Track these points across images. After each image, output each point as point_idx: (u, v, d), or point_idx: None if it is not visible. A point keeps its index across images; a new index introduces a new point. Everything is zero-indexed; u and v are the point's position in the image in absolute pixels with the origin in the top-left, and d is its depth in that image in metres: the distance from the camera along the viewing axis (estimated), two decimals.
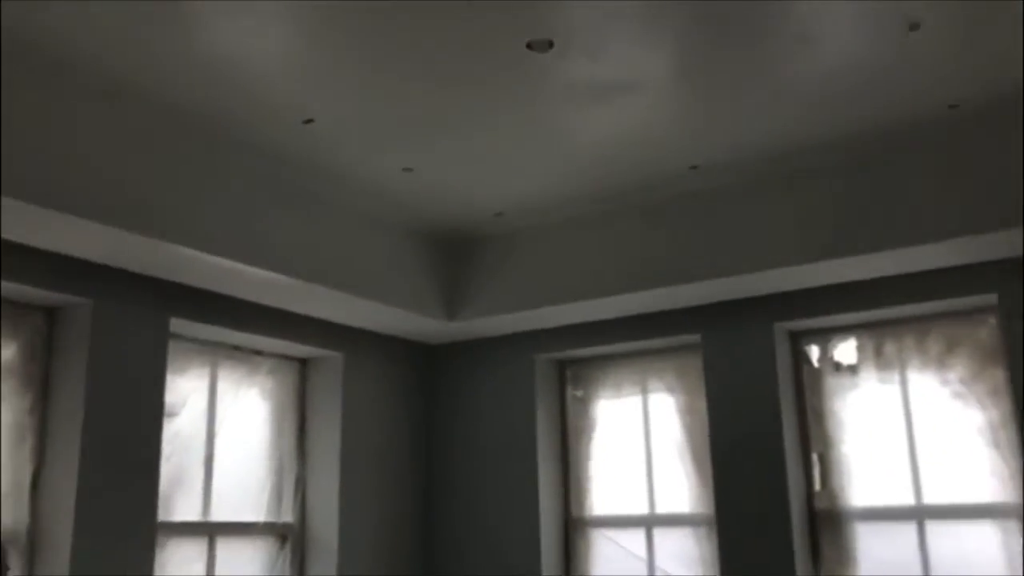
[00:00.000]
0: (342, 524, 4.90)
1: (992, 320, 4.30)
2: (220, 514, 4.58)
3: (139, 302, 4.09)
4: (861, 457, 4.56)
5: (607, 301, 4.79)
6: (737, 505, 4.61)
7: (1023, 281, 4.07)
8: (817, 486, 4.62)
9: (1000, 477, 4.18)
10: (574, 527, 5.27)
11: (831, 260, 4.17)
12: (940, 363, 4.45)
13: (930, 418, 4.43)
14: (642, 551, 5.02)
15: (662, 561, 4.95)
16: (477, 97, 3.60)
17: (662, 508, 5.02)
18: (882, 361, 4.60)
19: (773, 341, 4.67)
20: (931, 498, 4.36)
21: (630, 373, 5.28)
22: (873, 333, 4.63)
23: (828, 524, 4.56)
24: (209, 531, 4.51)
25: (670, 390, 5.13)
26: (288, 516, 4.92)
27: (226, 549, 4.57)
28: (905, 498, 4.42)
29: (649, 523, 5.04)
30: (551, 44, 3.18)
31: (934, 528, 4.32)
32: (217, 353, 4.71)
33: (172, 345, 4.31)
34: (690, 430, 5.00)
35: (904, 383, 4.53)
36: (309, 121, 3.76)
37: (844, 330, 4.70)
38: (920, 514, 4.37)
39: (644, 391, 5.23)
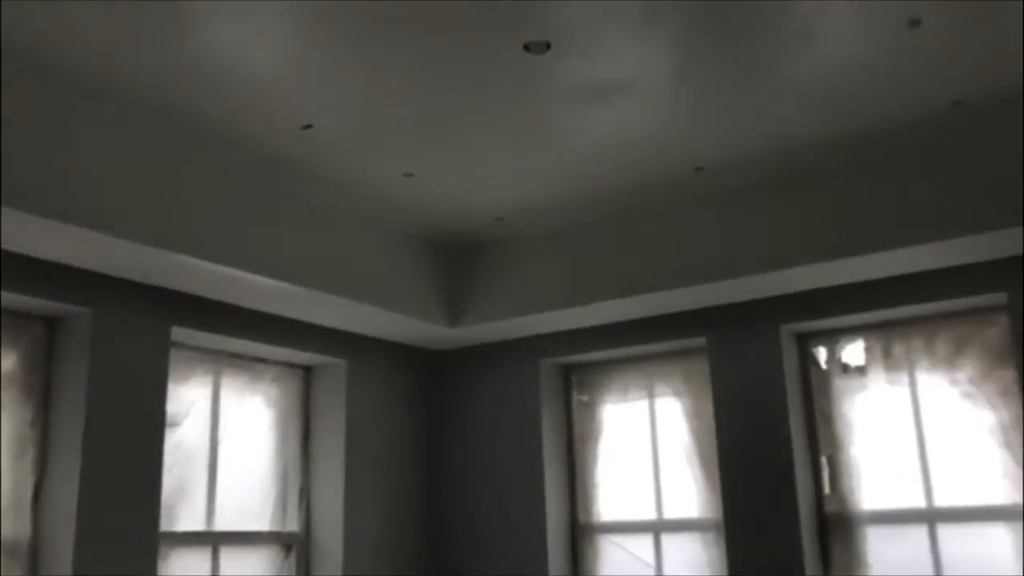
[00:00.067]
0: (347, 532, 4.87)
1: (1002, 319, 4.24)
2: (224, 523, 4.56)
3: (140, 311, 4.07)
4: (871, 460, 4.51)
5: (611, 304, 4.76)
6: (745, 509, 4.57)
7: None
8: (826, 489, 4.57)
9: (1012, 479, 4.12)
10: (581, 533, 5.23)
11: (837, 260, 4.13)
12: (949, 364, 4.40)
13: (940, 419, 4.38)
14: (650, 557, 4.98)
15: (670, 567, 4.91)
16: (476, 101, 3.57)
17: (670, 513, 4.98)
18: (890, 362, 4.55)
19: (780, 343, 4.62)
20: (942, 500, 4.31)
21: (636, 377, 5.24)
22: (881, 334, 4.58)
23: (838, 528, 4.51)
24: (213, 541, 4.49)
25: (676, 394, 5.09)
26: (293, 525, 4.90)
27: (230, 559, 4.54)
28: (916, 501, 4.36)
29: (657, 528, 5.00)
30: (548, 46, 3.16)
31: (946, 531, 4.26)
32: (220, 361, 4.69)
33: (174, 354, 4.29)
34: (697, 434, 4.95)
35: (913, 384, 4.48)
36: (308, 127, 3.75)
37: (852, 331, 4.65)
38: (931, 517, 4.32)
39: (650, 395, 5.19)
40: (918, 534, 4.32)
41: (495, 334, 5.34)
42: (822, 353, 4.73)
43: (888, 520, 4.41)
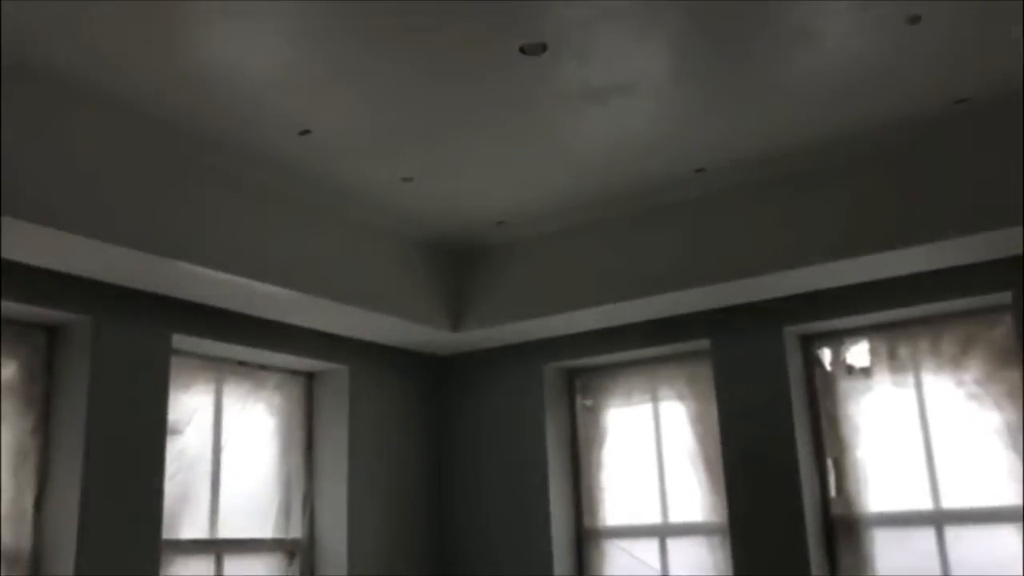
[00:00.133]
0: (351, 539, 4.85)
1: (1007, 319, 4.20)
2: (227, 531, 4.54)
3: (140, 319, 4.07)
4: (877, 462, 4.47)
5: (614, 308, 4.73)
6: (751, 513, 4.53)
7: None
8: (832, 492, 4.54)
9: (1019, 480, 4.08)
10: (586, 538, 5.20)
11: (840, 261, 4.10)
12: (955, 364, 4.36)
13: (946, 421, 4.34)
14: (655, 561, 4.95)
15: (676, 571, 4.87)
16: (473, 104, 3.56)
17: (675, 517, 4.95)
18: (896, 363, 4.52)
19: (784, 345, 4.59)
20: (949, 502, 4.27)
21: (640, 381, 5.21)
22: (886, 335, 4.55)
23: (844, 530, 4.47)
24: (217, 548, 4.48)
25: (681, 397, 5.06)
26: (296, 532, 4.89)
27: (234, 566, 4.53)
28: (923, 503, 4.33)
29: (662, 533, 4.97)
30: (544, 48, 3.14)
31: (953, 533, 4.22)
32: (222, 368, 4.68)
33: (176, 361, 4.29)
34: (702, 438, 4.93)
35: (919, 385, 4.44)
36: (305, 132, 3.74)
37: (856, 332, 4.61)
38: (939, 519, 4.27)
39: (654, 399, 5.16)
40: (925, 536, 4.28)
41: (498, 339, 5.32)
42: (826, 355, 4.70)
43: (895, 522, 4.37)
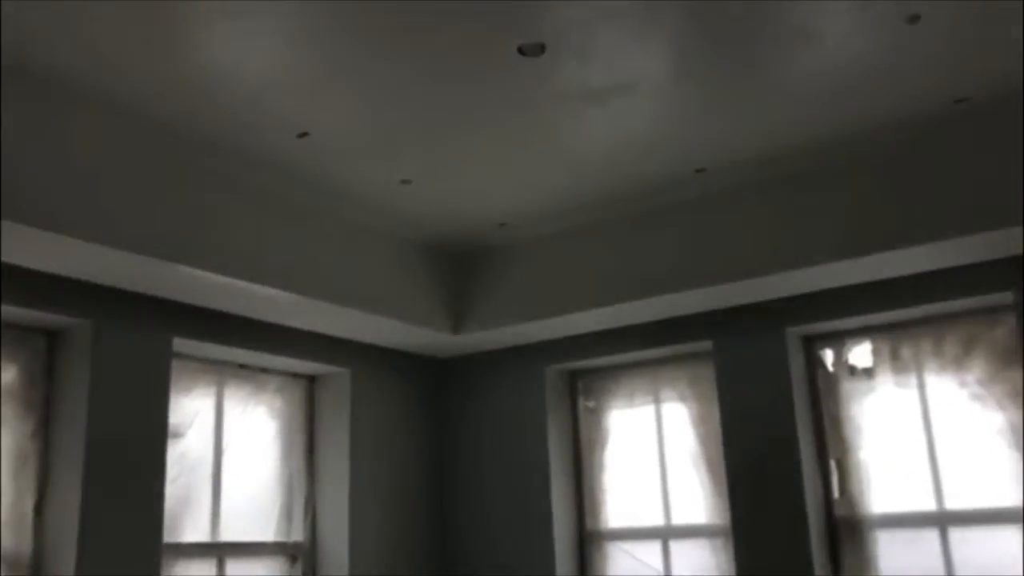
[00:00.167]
0: (353, 542, 4.85)
1: (1009, 319, 4.19)
2: (229, 534, 4.54)
3: (141, 322, 4.06)
4: (880, 463, 4.45)
5: (615, 309, 4.72)
6: (754, 514, 4.52)
7: None
8: (836, 493, 4.52)
9: (1023, 480, 4.07)
10: (589, 540, 5.19)
11: (841, 261, 4.08)
12: (958, 365, 4.34)
13: (949, 421, 4.33)
14: (658, 563, 4.94)
15: (679, 573, 4.86)
16: (472, 106, 3.56)
17: (678, 519, 4.94)
18: (898, 364, 4.50)
19: (786, 346, 4.58)
20: (953, 503, 4.25)
21: (642, 383, 5.20)
22: (888, 336, 4.53)
23: (848, 532, 4.45)
24: (218, 552, 4.47)
25: (683, 399, 5.05)
26: (298, 535, 4.88)
27: (235, 570, 4.52)
28: (926, 504, 4.31)
29: (665, 535, 4.95)
30: (543, 48, 3.13)
31: (957, 534, 4.20)
32: (223, 372, 4.68)
33: (176, 364, 4.28)
34: (704, 439, 4.91)
35: (921, 386, 4.43)
36: (304, 135, 3.74)
37: (858, 333, 4.60)
38: (942, 520, 4.26)
39: (657, 400, 5.15)
40: (929, 537, 4.26)
41: (500, 341, 5.32)
42: (829, 355, 4.69)
43: (898, 524, 4.35)
